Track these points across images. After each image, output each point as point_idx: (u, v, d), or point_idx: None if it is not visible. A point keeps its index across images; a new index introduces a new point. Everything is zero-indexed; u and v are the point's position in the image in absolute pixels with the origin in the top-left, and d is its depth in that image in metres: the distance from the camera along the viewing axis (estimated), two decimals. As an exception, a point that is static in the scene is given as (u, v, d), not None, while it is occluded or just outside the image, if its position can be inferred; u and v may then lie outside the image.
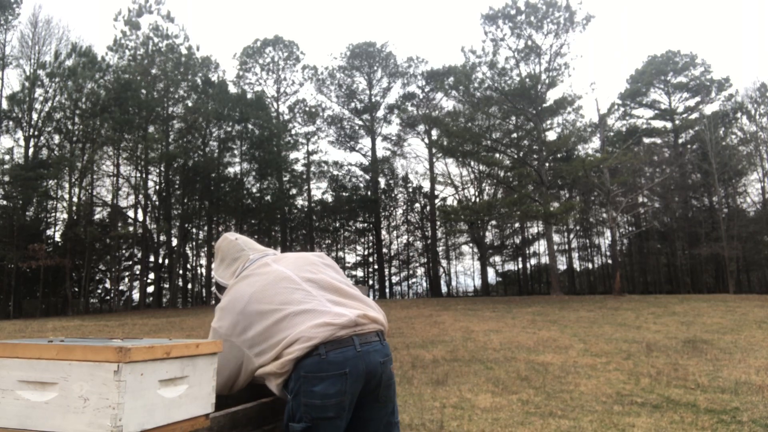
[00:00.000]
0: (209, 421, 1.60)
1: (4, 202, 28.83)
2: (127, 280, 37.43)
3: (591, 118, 39.61)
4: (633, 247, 43.90)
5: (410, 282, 48.92)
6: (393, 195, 44.22)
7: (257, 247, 2.12)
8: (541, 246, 45.61)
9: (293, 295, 1.83)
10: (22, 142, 29.82)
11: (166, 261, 34.67)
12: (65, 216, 31.37)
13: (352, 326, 1.77)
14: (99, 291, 37.84)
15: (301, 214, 41.61)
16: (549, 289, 32.99)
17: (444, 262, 48.12)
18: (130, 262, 35.93)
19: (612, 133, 36.36)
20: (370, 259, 46.15)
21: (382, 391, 1.82)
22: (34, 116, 29.64)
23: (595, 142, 35.47)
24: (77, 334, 13.57)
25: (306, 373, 1.70)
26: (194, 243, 37.04)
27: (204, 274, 39.18)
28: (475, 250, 43.04)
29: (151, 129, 31.44)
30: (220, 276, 2.09)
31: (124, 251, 35.15)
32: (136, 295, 35.61)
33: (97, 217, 33.77)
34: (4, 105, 29.07)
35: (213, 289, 2.17)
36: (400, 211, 45.98)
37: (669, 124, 39.56)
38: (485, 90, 29.84)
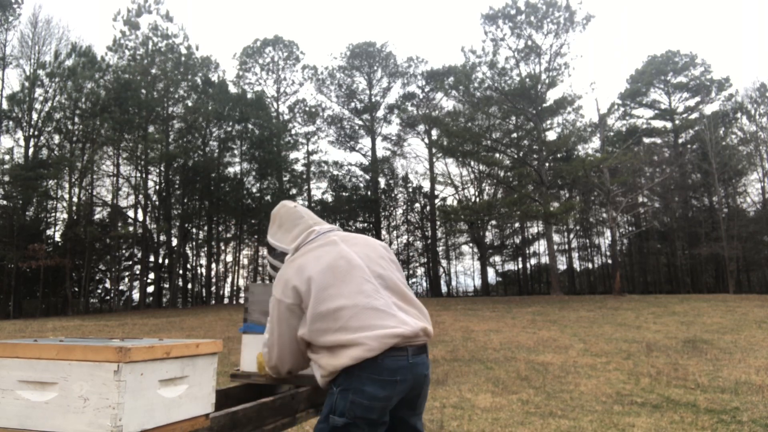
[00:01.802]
0: (209, 421, 1.60)
1: (4, 202, 28.84)
2: (127, 280, 37.46)
3: (591, 118, 39.62)
4: (633, 247, 43.89)
5: (410, 282, 48.93)
6: (393, 195, 44.23)
7: (318, 219, 2.11)
8: (541, 246, 45.64)
9: (363, 285, 1.83)
10: (22, 142, 29.85)
11: (166, 261, 34.67)
12: (65, 216, 31.40)
13: (412, 337, 1.80)
14: (99, 291, 37.84)
15: (301, 214, 41.57)
16: (549, 289, 32.99)
17: (444, 262, 48.15)
18: (130, 262, 35.93)
19: (612, 133, 36.34)
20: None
21: (420, 401, 1.88)
22: (34, 116, 29.67)
23: (595, 142, 35.49)
24: (77, 334, 13.58)
25: (360, 372, 1.72)
26: (194, 243, 37.02)
27: (204, 274, 39.19)
28: (475, 250, 43.04)
29: (151, 129, 31.43)
30: (278, 240, 2.07)
31: (124, 251, 35.15)
32: (136, 295, 35.64)
33: (97, 217, 33.77)
34: (4, 105, 29.10)
35: (265, 253, 2.16)
36: (400, 211, 46.01)
37: (669, 124, 39.55)
38: (485, 90, 29.83)
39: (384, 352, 1.73)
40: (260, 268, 44.47)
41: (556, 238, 41.31)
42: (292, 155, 37.99)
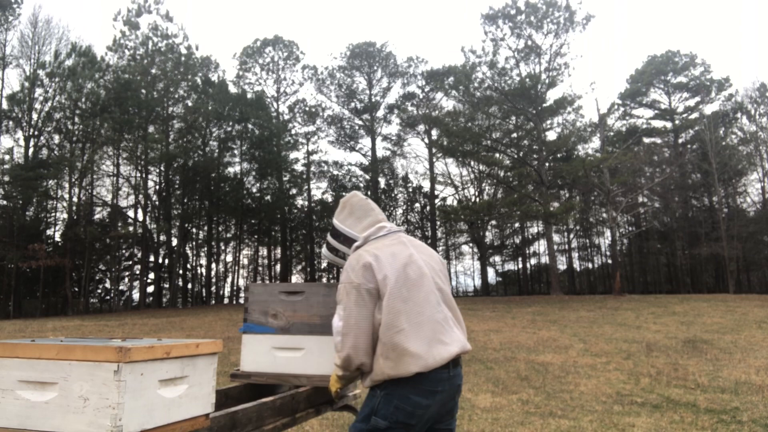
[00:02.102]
0: (209, 421, 1.60)
1: (4, 202, 28.83)
2: (127, 280, 37.45)
3: (591, 118, 39.60)
4: (633, 247, 43.88)
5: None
6: (393, 195, 44.20)
7: (384, 216, 2.19)
8: (541, 246, 45.62)
9: (430, 296, 1.93)
10: (22, 142, 29.84)
11: (166, 261, 34.66)
12: (65, 216, 31.40)
13: (458, 353, 1.92)
14: (99, 291, 37.84)
15: (301, 214, 41.59)
16: (549, 289, 32.98)
17: (444, 262, 48.08)
18: (130, 262, 35.92)
19: (612, 133, 36.33)
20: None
21: (456, 407, 2.02)
22: (34, 116, 29.65)
23: (595, 142, 35.49)
24: (77, 334, 13.57)
25: (407, 381, 1.82)
26: (194, 243, 37.01)
27: (204, 274, 39.19)
28: (475, 250, 43.04)
29: (151, 129, 31.42)
30: (348, 226, 2.13)
31: (124, 251, 35.14)
32: (136, 295, 35.64)
33: (97, 217, 33.78)
34: (4, 105, 29.07)
35: (328, 237, 2.20)
36: (400, 211, 45.97)
37: (669, 124, 39.54)
38: (485, 90, 29.82)
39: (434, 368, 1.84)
40: (260, 268, 44.49)
41: (556, 238, 41.32)
42: (292, 155, 38.00)
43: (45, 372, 1.33)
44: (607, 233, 41.20)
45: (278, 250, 41.62)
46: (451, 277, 49.30)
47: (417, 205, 45.12)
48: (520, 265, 46.66)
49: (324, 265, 47.24)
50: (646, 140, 38.86)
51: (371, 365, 1.90)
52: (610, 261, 39.19)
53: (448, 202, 40.82)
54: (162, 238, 34.36)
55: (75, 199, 30.59)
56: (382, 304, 1.86)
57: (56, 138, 30.86)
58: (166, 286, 34.25)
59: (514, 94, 28.54)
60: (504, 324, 13.58)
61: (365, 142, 42.60)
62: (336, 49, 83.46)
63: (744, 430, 4.54)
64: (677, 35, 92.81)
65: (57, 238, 32.76)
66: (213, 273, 39.24)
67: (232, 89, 35.59)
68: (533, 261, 47.69)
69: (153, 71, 31.47)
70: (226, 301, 38.28)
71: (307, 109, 40.92)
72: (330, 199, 42.32)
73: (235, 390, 2.37)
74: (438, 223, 41.17)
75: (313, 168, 41.53)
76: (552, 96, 34.64)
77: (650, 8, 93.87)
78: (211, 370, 1.61)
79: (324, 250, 2.23)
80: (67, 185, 30.66)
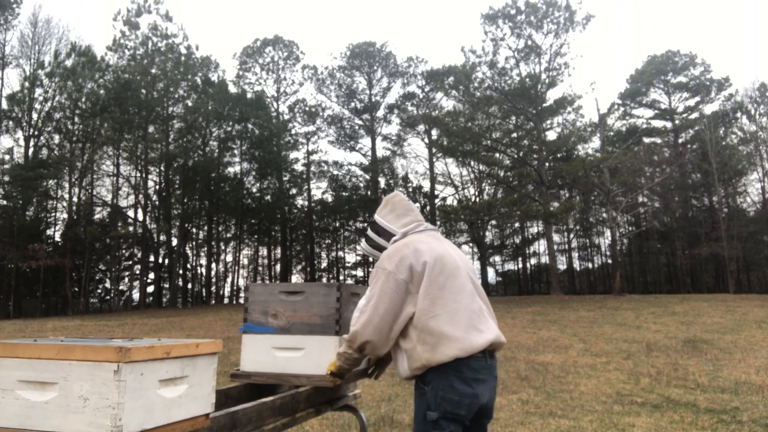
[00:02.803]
0: (209, 421, 1.60)
1: (4, 202, 28.83)
2: (127, 280, 37.45)
3: (591, 118, 39.61)
4: (633, 247, 43.88)
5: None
6: (393, 195, 44.10)
7: (422, 217, 2.27)
8: (541, 246, 45.61)
9: (467, 286, 2.00)
10: (22, 142, 29.85)
11: (166, 261, 34.66)
12: (65, 216, 31.40)
13: (494, 342, 1.98)
14: (99, 291, 37.83)
15: (301, 214, 41.59)
16: (549, 289, 32.97)
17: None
18: (130, 262, 35.92)
19: (612, 133, 36.31)
20: (370, 259, 45.98)
21: (494, 401, 2.04)
22: (34, 116, 29.65)
23: (595, 142, 35.48)
24: (77, 334, 13.57)
25: (447, 370, 1.85)
26: (194, 243, 37.01)
27: (204, 274, 39.19)
28: (475, 250, 43.01)
29: (151, 129, 31.42)
30: (389, 222, 2.22)
31: (124, 251, 35.14)
32: (136, 295, 35.64)
33: (97, 217, 33.77)
34: (4, 105, 29.08)
35: (368, 231, 2.30)
36: (400, 210, 45.85)
37: (669, 124, 39.53)
38: (485, 90, 29.81)
39: (471, 354, 1.87)
40: (260, 268, 44.48)
41: (556, 238, 41.29)
42: (292, 155, 38.00)
43: (45, 372, 1.33)
44: (607, 233, 41.21)
45: (278, 250, 41.61)
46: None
47: (417, 205, 45.01)
48: (520, 265, 46.68)
49: (324, 264, 47.29)
50: (646, 140, 38.84)
51: (379, 347, 1.95)
52: (610, 261, 39.19)
53: (448, 202, 40.82)
54: (162, 238, 34.37)
55: (75, 199, 30.61)
56: (417, 298, 1.92)
57: (56, 138, 30.90)
58: (166, 286, 34.25)
59: (514, 94, 28.53)
60: (504, 324, 13.57)
61: (365, 142, 42.60)
62: (336, 49, 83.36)
63: (744, 430, 4.54)
64: (677, 35, 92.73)
65: (57, 238, 32.77)
66: (213, 273, 39.27)
67: (232, 89, 35.61)
68: (533, 261, 47.73)
69: (153, 71, 31.46)
70: (226, 301, 38.28)
71: (307, 109, 40.92)
72: (330, 199, 42.31)
73: (235, 390, 2.38)
74: (438, 223, 41.12)
75: (313, 168, 41.54)
76: (552, 96, 34.64)
77: (650, 8, 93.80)
78: (211, 370, 1.61)
79: (363, 244, 2.32)
80: (67, 185, 30.70)
